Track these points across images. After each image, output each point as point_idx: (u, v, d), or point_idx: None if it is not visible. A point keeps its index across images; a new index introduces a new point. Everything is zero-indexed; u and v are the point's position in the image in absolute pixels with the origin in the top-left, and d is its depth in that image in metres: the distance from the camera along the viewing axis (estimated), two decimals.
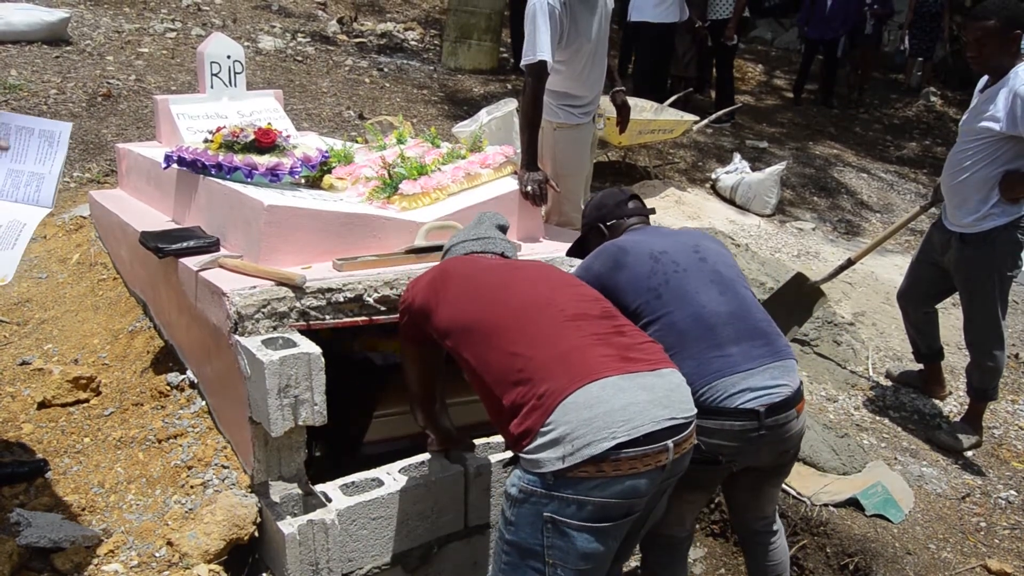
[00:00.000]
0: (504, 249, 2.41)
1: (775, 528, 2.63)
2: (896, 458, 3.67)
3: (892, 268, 5.87)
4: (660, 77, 8.25)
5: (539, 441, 1.81)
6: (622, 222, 2.65)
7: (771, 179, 6.73)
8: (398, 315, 2.32)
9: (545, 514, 1.84)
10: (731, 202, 6.81)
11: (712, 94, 9.59)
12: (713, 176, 7.08)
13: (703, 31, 8.56)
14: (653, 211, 2.77)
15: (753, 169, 7.04)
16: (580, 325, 1.98)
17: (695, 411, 1.98)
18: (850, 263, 4.44)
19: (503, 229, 2.52)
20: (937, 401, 4.15)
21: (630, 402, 1.83)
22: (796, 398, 2.28)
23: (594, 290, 2.23)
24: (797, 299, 4.44)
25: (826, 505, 3.27)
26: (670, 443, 1.86)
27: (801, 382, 2.35)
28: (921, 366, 4.22)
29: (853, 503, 3.30)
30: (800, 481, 3.38)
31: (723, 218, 6.38)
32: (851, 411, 4.00)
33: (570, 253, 2.88)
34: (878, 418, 3.97)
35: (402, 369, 2.42)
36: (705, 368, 2.22)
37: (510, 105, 5.01)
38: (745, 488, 2.51)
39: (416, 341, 2.28)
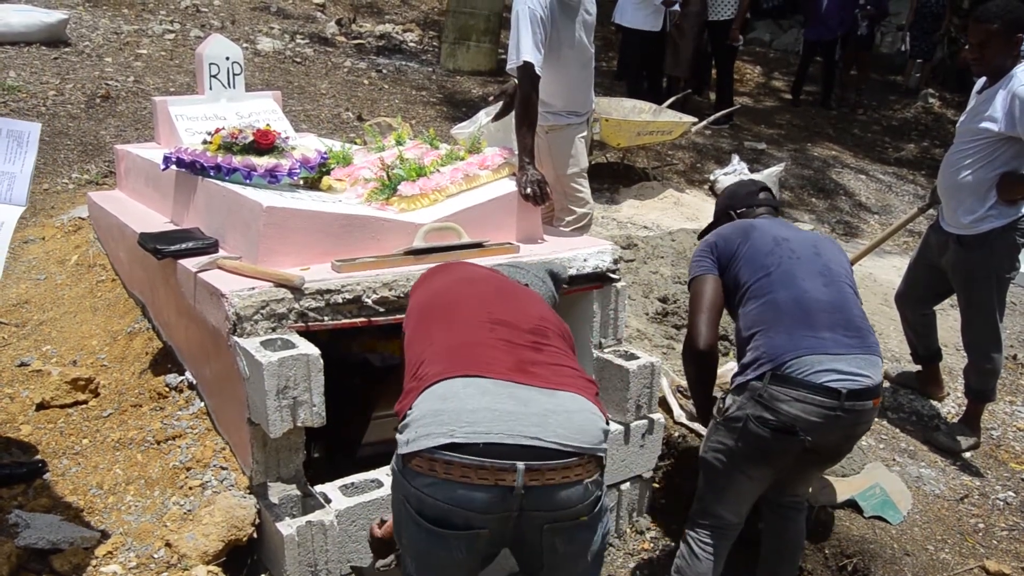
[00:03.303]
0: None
1: (802, 506, 2.73)
2: (894, 459, 3.68)
3: (890, 269, 5.88)
4: (651, 80, 8.31)
5: (403, 422, 1.77)
6: (752, 210, 2.89)
7: (770, 180, 6.72)
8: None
9: (400, 496, 1.78)
10: None
11: (710, 95, 9.60)
12: (711, 177, 7.09)
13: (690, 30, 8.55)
14: (781, 205, 2.94)
15: (752, 170, 7.05)
16: (496, 329, 1.90)
17: (584, 448, 1.72)
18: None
19: None
20: (935, 402, 4.16)
21: (487, 406, 1.69)
22: (875, 391, 2.41)
23: (550, 313, 2.11)
24: None
25: (824, 506, 3.27)
26: (520, 464, 1.65)
27: (883, 379, 2.51)
28: (919, 367, 4.23)
29: (852, 504, 3.31)
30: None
31: None
32: None
33: (701, 236, 3.06)
34: (876, 419, 3.97)
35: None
36: (796, 343, 2.37)
37: None
38: (795, 468, 2.56)
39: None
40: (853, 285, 2.62)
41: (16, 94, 5.73)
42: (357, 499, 2.52)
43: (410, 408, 1.76)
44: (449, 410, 1.69)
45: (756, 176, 6.78)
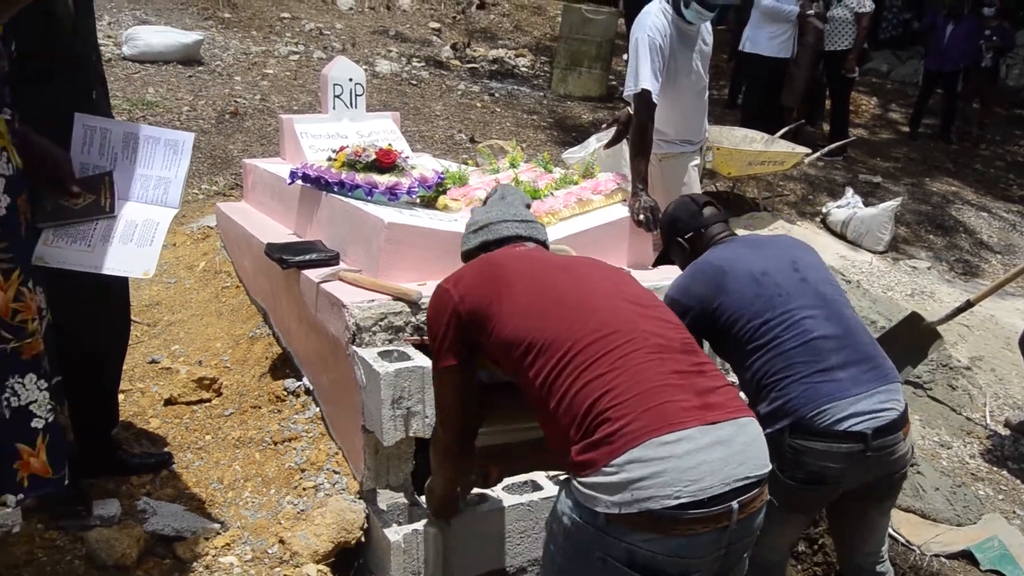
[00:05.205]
0: (545, 236, 2.25)
1: (883, 570, 2.56)
2: (1015, 512, 3.50)
3: (1014, 312, 5.62)
4: (771, 110, 8.20)
5: (599, 479, 1.69)
6: (702, 233, 2.61)
7: (885, 215, 6.56)
8: (428, 325, 2.06)
9: (596, 553, 1.74)
10: (842, 237, 6.66)
11: (824, 126, 9.40)
12: (824, 210, 6.95)
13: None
14: (731, 213, 2.77)
15: (866, 204, 6.87)
16: (663, 359, 1.81)
17: (769, 467, 1.82)
18: (969, 305, 4.27)
19: (528, 206, 2.32)
20: None
21: (703, 460, 1.69)
22: (902, 421, 2.28)
23: (671, 312, 2.07)
24: (911, 340, 4.30)
25: (937, 556, 3.15)
26: (735, 504, 1.71)
27: (906, 404, 2.34)
28: None
29: (967, 555, 3.17)
30: (910, 529, 3.27)
31: (833, 253, 6.24)
32: (966, 459, 3.84)
33: (656, 264, 2.90)
34: (995, 468, 3.80)
35: (438, 404, 2.15)
36: (815, 392, 2.23)
37: None
38: (851, 515, 2.47)
39: (456, 355, 1.99)
40: (847, 303, 2.44)
41: (154, 109, 6.12)
42: (462, 512, 2.57)
43: (607, 465, 1.68)
44: (668, 470, 1.66)
45: (871, 210, 6.62)
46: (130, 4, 8.22)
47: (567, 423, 1.76)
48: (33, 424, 1.90)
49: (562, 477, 1.88)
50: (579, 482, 1.73)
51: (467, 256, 2.22)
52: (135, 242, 2.16)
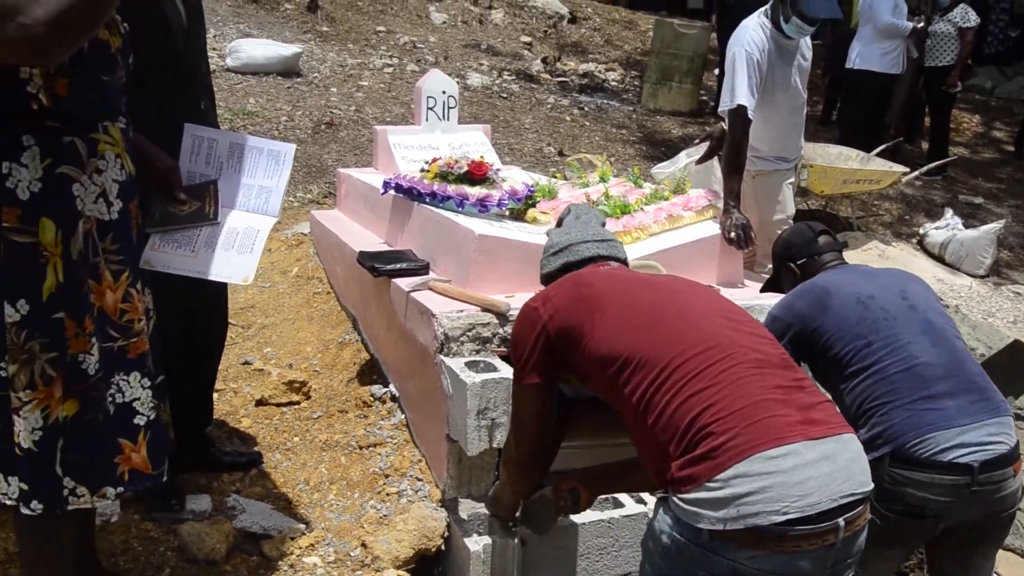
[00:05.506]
0: (625, 255, 2.23)
1: None
2: None
3: None
4: (875, 127, 7.98)
5: (701, 495, 1.66)
6: (815, 260, 2.57)
7: (986, 238, 6.30)
8: (514, 343, 2.06)
9: (699, 572, 1.70)
10: (940, 260, 6.42)
11: (923, 145, 9.10)
12: (921, 231, 6.73)
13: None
14: (846, 244, 2.69)
15: (966, 226, 6.62)
16: (764, 374, 1.79)
17: (872, 485, 1.78)
18: None
19: (603, 224, 2.31)
20: None
21: (810, 476, 1.66)
22: (1013, 456, 2.16)
23: (765, 329, 2.05)
24: (1013, 369, 4.10)
25: None
26: (841, 521, 1.68)
27: (1018, 441, 2.21)
28: None
29: None
30: (1010, 569, 3.11)
31: (931, 276, 6.02)
32: None
33: (764, 290, 2.85)
34: None
35: (515, 420, 2.15)
36: (919, 420, 2.14)
37: None
38: (953, 556, 2.35)
39: (541, 374, 1.99)
40: (958, 332, 2.34)
41: (254, 118, 6.33)
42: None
43: (711, 480, 1.65)
44: (775, 485, 1.64)
45: (972, 233, 6.37)
46: (235, 18, 8.53)
47: (667, 438, 1.73)
48: (135, 421, 1.98)
49: (659, 495, 1.85)
50: (680, 498, 1.70)
51: (547, 279, 2.22)
52: (236, 249, 2.23)
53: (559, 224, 2.34)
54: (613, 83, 9.57)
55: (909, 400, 2.16)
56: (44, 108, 1.75)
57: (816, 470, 1.67)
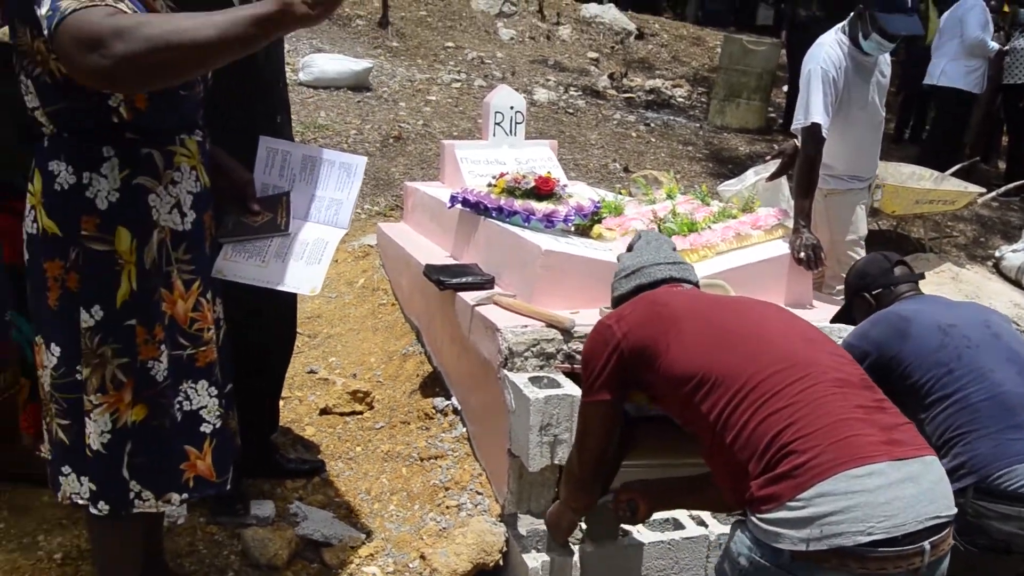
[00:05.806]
0: (696, 278, 2.22)
1: None
2: None
3: None
4: (954, 145, 7.77)
5: (783, 514, 1.63)
6: (890, 291, 2.51)
7: None
8: (585, 359, 2.07)
9: None
10: (1017, 284, 6.19)
11: (1000, 164, 8.82)
12: (997, 254, 6.50)
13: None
14: (922, 276, 2.62)
15: None
16: (845, 393, 1.76)
17: (955, 509, 1.74)
18: None
19: (674, 248, 2.31)
20: None
21: (895, 496, 1.63)
22: None
23: (843, 348, 2.02)
24: None
25: None
26: (927, 544, 1.63)
27: None
28: None
29: None
30: None
31: (1007, 301, 5.80)
32: None
33: (835, 320, 2.78)
34: None
35: (580, 436, 2.16)
36: (1005, 450, 2.06)
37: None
38: None
39: (611, 391, 1.99)
40: None
41: (325, 131, 6.46)
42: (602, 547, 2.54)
43: (793, 500, 1.63)
44: (860, 504, 1.61)
45: None
46: (308, 33, 8.72)
47: (746, 457, 1.71)
48: (202, 428, 2.01)
49: (735, 516, 1.82)
50: (760, 518, 1.67)
51: (618, 301, 2.21)
52: (305, 260, 2.26)
53: (629, 249, 2.35)
54: (680, 99, 9.50)
55: (994, 430, 2.09)
56: (124, 121, 1.80)
57: (901, 491, 1.63)
